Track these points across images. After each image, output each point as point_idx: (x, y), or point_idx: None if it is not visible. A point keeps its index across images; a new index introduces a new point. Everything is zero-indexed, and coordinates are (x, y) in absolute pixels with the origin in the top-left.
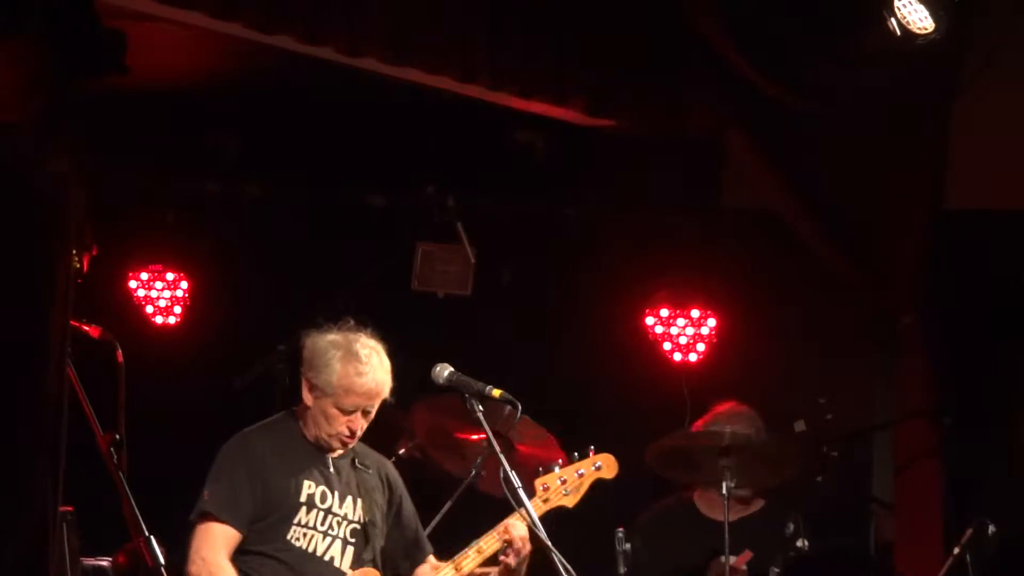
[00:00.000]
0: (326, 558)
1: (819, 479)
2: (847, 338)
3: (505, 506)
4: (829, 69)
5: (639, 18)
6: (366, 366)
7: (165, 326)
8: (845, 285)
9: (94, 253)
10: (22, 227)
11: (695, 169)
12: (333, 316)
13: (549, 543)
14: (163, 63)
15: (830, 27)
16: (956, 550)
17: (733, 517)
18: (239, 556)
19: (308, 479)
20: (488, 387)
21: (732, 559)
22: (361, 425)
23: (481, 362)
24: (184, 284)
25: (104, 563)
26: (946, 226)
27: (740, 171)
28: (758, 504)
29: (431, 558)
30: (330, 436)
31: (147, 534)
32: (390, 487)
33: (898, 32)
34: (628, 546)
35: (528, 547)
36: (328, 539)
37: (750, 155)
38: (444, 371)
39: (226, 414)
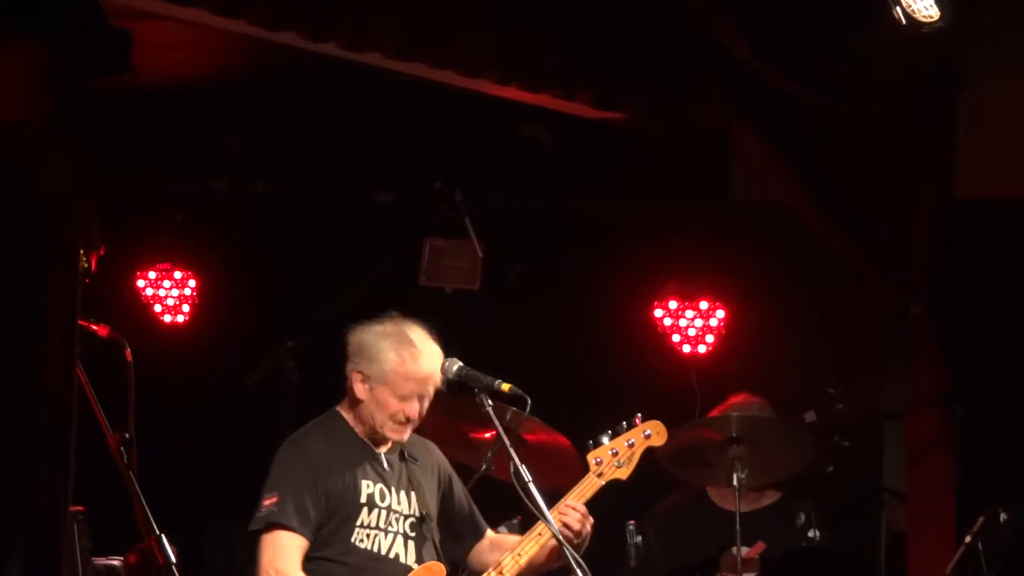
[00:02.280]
0: (391, 555)
1: (830, 469)
2: (856, 328)
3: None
4: (835, 60)
5: (646, 11)
6: (420, 351)
7: (174, 325)
8: (854, 276)
9: (102, 253)
10: (29, 226)
11: (703, 162)
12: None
13: (561, 538)
14: (169, 62)
15: (836, 18)
16: (968, 539)
17: (745, 508)
18: (303, 561)
19: (365, 478)
20: (497, 381)
21: (744, 550)
22: (419, 412)
23: (490, 357)
24: (192, 283)
25: (115, 563)
26: (954, 215)
27: (748, 164)
28: (771, 496)
29: (489, 533)
30: (384, 426)
31: (158, 533)
32: (438, 472)
33: (904, 22)
34: (639, 539)
35: (588, 523)
36: (391, 536)
37: (757, 148)
38: (453, 366)
39: (236, 412)
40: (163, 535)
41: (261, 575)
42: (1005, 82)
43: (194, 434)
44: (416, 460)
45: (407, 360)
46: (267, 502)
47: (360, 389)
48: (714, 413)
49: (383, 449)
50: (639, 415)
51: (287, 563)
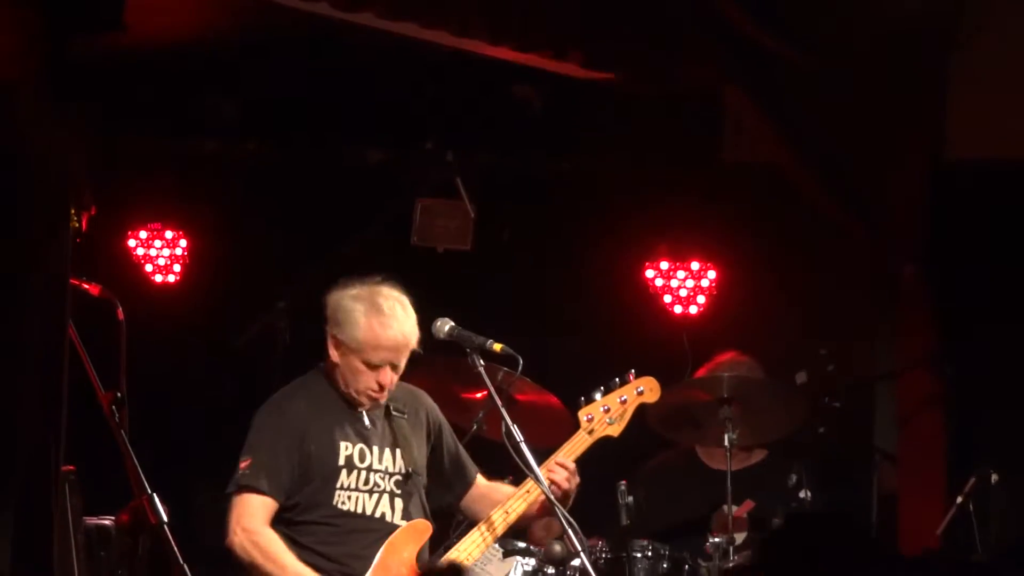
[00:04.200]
0: (376, 515)
1: (821, 430)
2: (848, 289)
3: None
4: (827, 22)
5: None
6: (390, 318)
7: (165, 284)
8: (845, 237)
9: (93, 212)
10: (19, 187)
11: (694, 123)
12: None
13: (552, 498)
14: (161, 21)
15: None
16: (959, 500)
17: (736, 467)
18: (288, 526)
19: (344, 440)
20: (489, 341)
21: (734, 509)
22: (391, 379)
23: (481, 317)
24: (183, 242)
25: (107, 522)
26: (945, 176)
27: (739, 125)
28: (761, 454)
29: (479, 480)
30: (359, 392)
31: (149, 492)
32: (427, 421)
33: None
34: (631, 499)
35: (575, 481)
36: (375, 496)
37: (749, 109)
38: (445, 325)
39: (227, 371)
40: (154, 494)
41: (229, 534)
42: (996, 42)
43: (185, 393)
44: (403, 414)
45: (375, 327)
46: (242, 464)
47: (334, 353)
48: (702, 372)
49: (365, 406)
50: (632, 371)
51: (253, 520)
